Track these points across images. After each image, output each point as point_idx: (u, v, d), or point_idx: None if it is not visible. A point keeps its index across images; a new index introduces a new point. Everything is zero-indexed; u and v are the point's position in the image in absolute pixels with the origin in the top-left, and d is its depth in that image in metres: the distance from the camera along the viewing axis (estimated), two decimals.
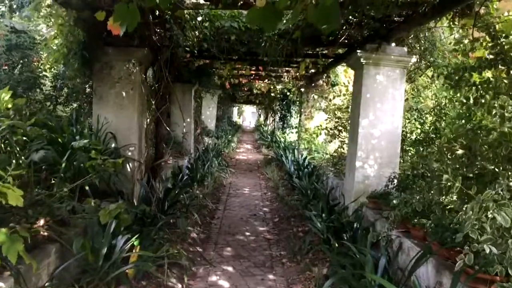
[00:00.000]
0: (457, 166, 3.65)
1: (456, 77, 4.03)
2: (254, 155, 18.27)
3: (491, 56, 3.82)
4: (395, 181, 5.87)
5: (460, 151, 3.67)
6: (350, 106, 8.86)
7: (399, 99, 6.20)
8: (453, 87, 4.08)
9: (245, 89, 19.75)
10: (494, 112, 3.53)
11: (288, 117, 18.69)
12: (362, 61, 6.08)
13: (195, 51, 7.41)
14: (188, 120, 12.19)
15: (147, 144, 6.39)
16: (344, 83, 8.60)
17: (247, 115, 64.85)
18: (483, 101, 3.79)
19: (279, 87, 18.18)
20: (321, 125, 9.68)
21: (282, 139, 17.85)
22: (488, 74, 3.88)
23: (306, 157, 10.91)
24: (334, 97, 8.98)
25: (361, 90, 6.16)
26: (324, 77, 11.33)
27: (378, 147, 6.18)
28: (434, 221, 3.81)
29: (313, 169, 9.32)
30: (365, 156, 6.18)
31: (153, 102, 6.43)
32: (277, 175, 11.11)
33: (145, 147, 6.41)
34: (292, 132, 18.62)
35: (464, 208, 3.02)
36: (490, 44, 3.84)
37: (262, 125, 35.34)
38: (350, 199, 6.29)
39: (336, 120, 9.24)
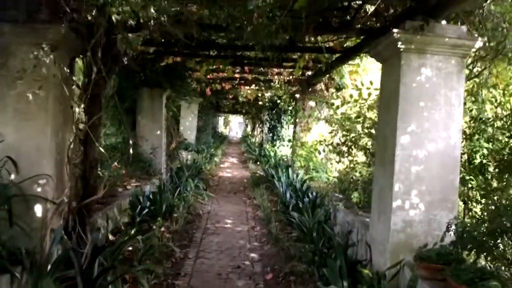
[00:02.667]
0: None
1: None
2: (240, 171, 16.02)
3: None
4: (452, 230, 3.76)
5: None
6: (362, 116, 6.76)
7: (457, 104, 4.08)
8: None
9: (230, 97, 17.61)
10: None
11: (279, 128, 16.54)
12: (399, 46, 3.96)
13: (152, 38, 5.26)
14: (158, 132, 9.97)
15: (71, 174, 4.12)
16: (356, 86, 6.48)
17: (234, 126, 62.72)
18: None
19: (268, 94, 16.09)
20: (324, 140, 7.52)
21: (272, 153, 15.67)
22: None
23: (304, 179, 8.73)
24: (342, 104, 6.84)
25: (398, 91, 4.03)
26: (325, 79, 9.23)
27: (425, 176, 4.04)
28: None
29: (316, 197, 7.13)
30: (406, 191, 4.03)
31: (78, 109, 4.13)
32: (267, 202, 8.90)
33: (68, 178, 4.15)
34: (283, 145, 16.47)
35: None
36: None
37: (249, 136, 33.17)
38: (384, 255, 4.12)
39: (345, 133, 7.10)
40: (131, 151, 7.62)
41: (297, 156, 10.17)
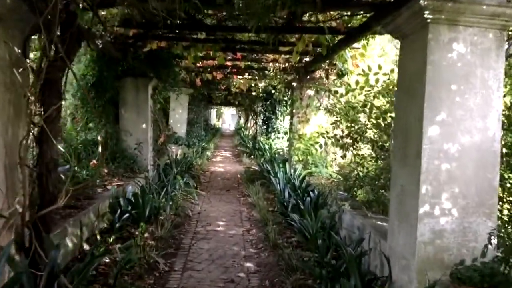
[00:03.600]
0: None
1: None
2: (233, 165, 15.25)
3: None
4: (495, 242, 3.08)
5: None
6: (368, 104, 6.02)
7: (495, 87, 3.34)
8: None
9: (222, 87, 16.80)
10: None
11: (273, 119, 15.77)
12: (426, 15, 3.21)
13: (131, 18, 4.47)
14: (144, 126, 9.17)
15: (24, 179, 3.33)
16: (363, 70, 5.71)
17: (227, 118, 61.87)
18: None
19: (261, 84, 15.30)
20: (326, 132, 6.77)
21: (267, 146, 14.91)
22: None
23: (303, 175, 8.00)
24: (347, 91, 6.08)
25: (424, 72, 3.29)
26: (324, 65, 8.46)
27: (459, 175, 3.32)
28: None
29: (318, 196, 6.40)
30: (435, 194, 3.30)
31: (33, 98, 3.31)
32: (263, 200, 8.16)
33: (21, 184, 3.37)
34: (278, 138, 15.72)
35: None
36: None
37: (243, 128, 32.36)
38: (407, 272, 3.41)
39: (349, 124, 6.36)
40: (99, 147, 6.85)
41: (295, 149, 9.42)
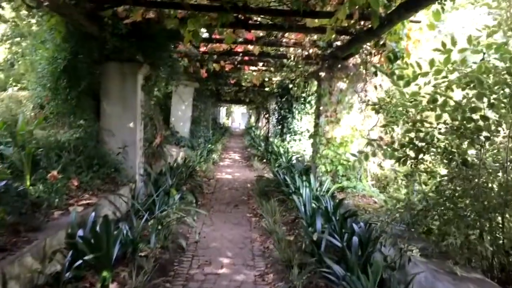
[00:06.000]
0: None
1: None
2: (243, 171, 13.24)
3: None
4: None
5: None
6: (441, 97, 4.01)
7: None
8: None
9: (232, 81, 14.81)
10: None
11: (289, 119, 13.73)
12: None
13: None
14: (132, 124, 7.25)
15: None
16: (443, 44, 3.70)
17: (237, 116, 60.00)
18: None
19: (276, 78, 13.33)
20: (380, 138, 4.76)
21: (282, 150, 12.91)
22: None
23: (339, 198, 6.01)
24: (414, 78, 4.06)
25: None
26: (366, 48, 6.44)
27: None
28: None
29: (369, 234, 4.38)
30: None
31: None
32: (281, 224, 6.20)
33: None
34: (295, 140, 13.71)
35: None
36: None
37: (253, 127, 30.40)
38: None
39: (412, 127, 4.34)
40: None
41: (321, 157, 7.42)
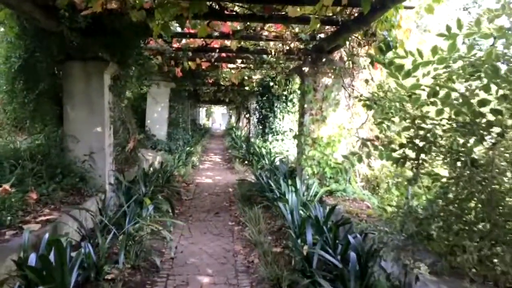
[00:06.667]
0: None
1: None
2: (224, 174, 12.63)
3: None
4: None
5: None
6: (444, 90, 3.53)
7: None
8: None
9: (210, 81, 14.22)
10: None
11: (271, 118, 13.18)
12: None
13: None
14: (99, 129, 6.59)
15: None
16: (448, 29, 3.21)
17: (217, 117, 59.33)
18: None
19: (256, 77, 12.78)
20: (378, 138, 4.25)
21: (264, 150, 12.35)
22: None
23: (331, 204, 5.49)
24: (415, 68, 3.56)
25: None
26: (354, 38, 5.93)
27: None
28: None
29: (369, 249, 3.85)
30: None
31: None
32: (266, 234, 5.64)
33: None
34: (277, 140, 13.18)
35: None
36: None
37: (234, 128, 29.80)
38: None
39: (411, 125, 3.85)
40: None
41: (307, 158, 6.89)
